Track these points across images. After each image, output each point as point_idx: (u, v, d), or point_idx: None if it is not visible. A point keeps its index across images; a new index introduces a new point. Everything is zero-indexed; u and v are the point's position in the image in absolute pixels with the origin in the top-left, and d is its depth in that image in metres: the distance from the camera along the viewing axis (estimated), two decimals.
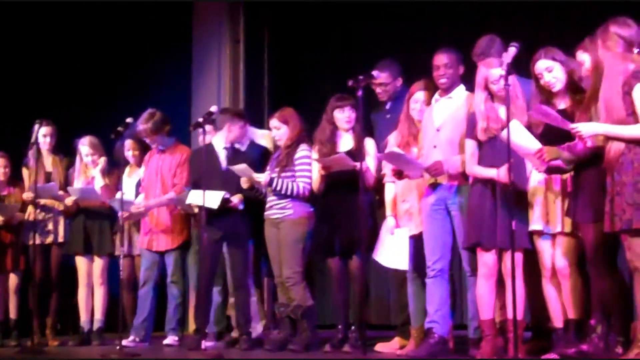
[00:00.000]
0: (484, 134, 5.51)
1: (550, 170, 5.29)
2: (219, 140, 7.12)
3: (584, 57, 5.26)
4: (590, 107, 5.02)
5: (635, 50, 4.89)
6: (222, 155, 7.10)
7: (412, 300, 6.28)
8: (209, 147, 7.14)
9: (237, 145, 7.17)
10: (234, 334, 7.24)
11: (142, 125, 7.46)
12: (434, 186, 5.97)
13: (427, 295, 6.01)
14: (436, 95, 6.14)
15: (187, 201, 6.99)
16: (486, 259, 5.48)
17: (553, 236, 5.39)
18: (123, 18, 9.85)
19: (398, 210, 6.35)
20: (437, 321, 5.93)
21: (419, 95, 6.23)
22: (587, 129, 4.83)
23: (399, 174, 6.10)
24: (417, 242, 6.20)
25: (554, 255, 5.40)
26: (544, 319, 5.88)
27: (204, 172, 6.75)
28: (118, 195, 7.28)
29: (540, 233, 5.42)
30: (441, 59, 6.07)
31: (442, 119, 6.02)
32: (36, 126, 7.68)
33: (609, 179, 4.84)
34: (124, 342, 7.33)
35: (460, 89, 6.10)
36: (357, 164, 6.22)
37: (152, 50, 9.95)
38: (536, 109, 5.15)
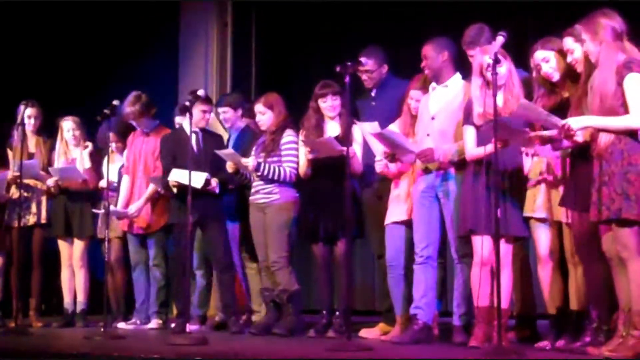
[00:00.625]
0: (480, 119, 5.52)
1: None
2: (188, 124, 7.08)
3: (574, 46, 5.28)
4: (582, 99, 5.05)
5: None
6: (193, 139, 7.05)
7: (394, 288, 6.28)
8: (180, 131, 7.16)
9: (206, 128, 7.23)
10: (218, 317, 7.26)
11: (129, 107, 7.46)
12: (425, 172, 5.99)
13: (414, 281, 6.03)
14: (433, 84, 6.16)
15: (169, 178, 6.96)
16: (480, 247, 5.49)
17: (558, 224, 5.40)
18: (110, 1, 9.80)
19: (390, 200, 6.34)
20: (421, 307, 5.96)
21: (414, 93, 6.24)
22: (577, 123, 4.84)
23: (391, 157, 6.09)
24: (400, 229, 6.21)
25: (555, 243, 5.42)
26: (531, 307, 5.92)
27: (177, 156, 6.92)
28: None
29: (541, 220, 5.43)
30: (423, 51, 6.15)
31: (437, 107, 6.04)
32: (22, 107, 7.66)
33: (597, 168, 4.86)
34: (124, 325, 7.47)
35: (456, 78, 6.10)
36: (344, 149, 6.23)
37: (139, 33, 9.92)
38: (521, 106, 5.17)
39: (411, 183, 6.18)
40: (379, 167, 6.26)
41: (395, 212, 6.25)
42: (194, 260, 7.30)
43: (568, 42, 5.30)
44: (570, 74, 5.36)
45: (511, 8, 8.33)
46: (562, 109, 5.27)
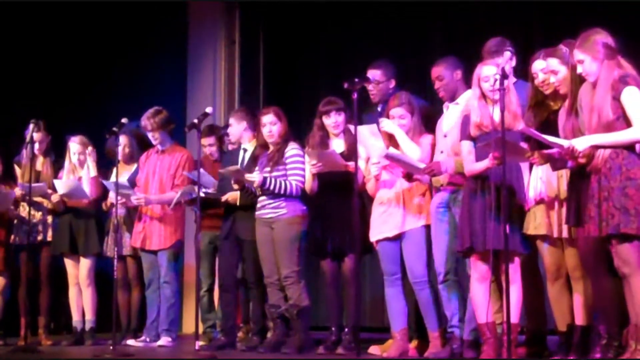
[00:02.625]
0: (476, 130, 5.52)
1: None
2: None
3: (559, 68, 5.31)
4: (572, 114, 5.09)
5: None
6: (240, 156, 7.21)
7: (393, 303, 6.25)
8: (238, 149, 7.31)
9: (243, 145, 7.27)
10: (241, 333, 7.30)
11: (147, 119, 7.48)
12: (438, 189, 6.01)
13: (442, 300, 6.03)
14: (446, 103, 6.18)
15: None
16: (478, 264, 5.50)
17: (560, 240, 5.38)
18: (119, 17, 9.85)
19: (373, 212, 6.31)
20: (456, 326, 5.95)
21: (395, 112, 6.18)
22: (583, 144, 4.85)
23: (408, 177, 6.07)
24: (393, 244, 6.18)
25: (560, 259, 5.40)
26: (540, 324, 5.89)
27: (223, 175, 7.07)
28: (113, 178, 7.32)
29: (544, 237, 5.42)
30: (434, 73, 6.19)
31: (449, 125, 6.05)
32: (32, 126, 7.66)
33: (595, 184, 4.88)
34: (134, 342, 7.48)
35: (467, 94, 6.07)
36: (349, 164, 6.22)
37: (147, 50, 9.96)
38: (524, 131, 5.19)
39: (400, 195, 6.15)
40: (374, 169, 6.21)
41: (384, 228, 6.19)
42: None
43: (553, 64, 5.33)
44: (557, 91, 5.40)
45: (518, 19, 8.33)
46: (549, 124, 5.29)
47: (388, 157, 5.99)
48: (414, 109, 6.19)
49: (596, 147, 4.87)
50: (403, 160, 5.96)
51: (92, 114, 9.59)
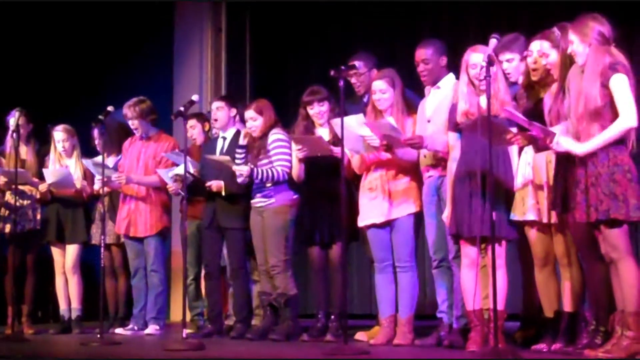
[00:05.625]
0: (463, 117, 5.52)
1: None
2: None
3: (550, 51, 5.33)
4: (559, 99, 5.12)
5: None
6: (219, 145, 7.17)
7: (383, 290, 6.27)
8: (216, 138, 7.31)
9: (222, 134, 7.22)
10: (229, 321, 7.29)
11: (129, 108, 7.48)
12: (427, 171, 6.01)
13: (436, 286, 6.08)
14: (427, 87, 6.20)
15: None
16: (468, 250, 5.51)
17: (548, 226, 5.39)
18: (105, 6, 9.81)
19: (361, 196, 6.31)
20: (445, 311, 5.99)
21: (376, 85, 6.18)
22: (565, 145, 4.89)
23: (387, 148, 6.04)
24: (382, 232, 6.20)
25: (549, 245, 5.42)
26: (534, 309, 5.91)
27: (205, 163, 7.10)
28: (97, 158, 7.29)
29: (532, 223, 5.43)
30: (419, 55, 6.18)
31: (431, 110, 6.07)
32: (16, 114, 7.64)
33: (582, 169, 4.90)
34: (122, 330, 7.46)
35: (449, 78, 6.13)
36: (335, 149, 6.21)
37: (133, 38, 9.93)
38: (505, 111, 5.21)
39: (385, 182, 6.15)
40: (356, 158, 6.22)
41: (372, 214, 6.21)
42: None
43: (544, 46, 5.34)
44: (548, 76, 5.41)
45: (505, 10, 8.35)
46: (538, 113, 5.30)
47: (372, 124, 5.95)
48: (397, 83, 6.18)
49: (577, 136, 4.89)
50: (385, 124, 5.92)
51: (78, 103, 9.56)
